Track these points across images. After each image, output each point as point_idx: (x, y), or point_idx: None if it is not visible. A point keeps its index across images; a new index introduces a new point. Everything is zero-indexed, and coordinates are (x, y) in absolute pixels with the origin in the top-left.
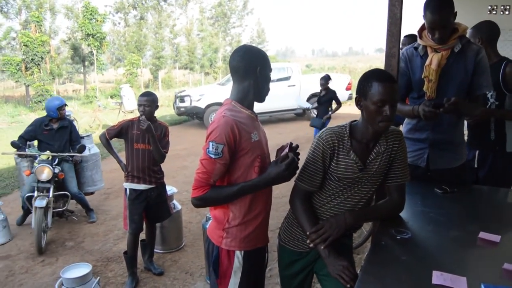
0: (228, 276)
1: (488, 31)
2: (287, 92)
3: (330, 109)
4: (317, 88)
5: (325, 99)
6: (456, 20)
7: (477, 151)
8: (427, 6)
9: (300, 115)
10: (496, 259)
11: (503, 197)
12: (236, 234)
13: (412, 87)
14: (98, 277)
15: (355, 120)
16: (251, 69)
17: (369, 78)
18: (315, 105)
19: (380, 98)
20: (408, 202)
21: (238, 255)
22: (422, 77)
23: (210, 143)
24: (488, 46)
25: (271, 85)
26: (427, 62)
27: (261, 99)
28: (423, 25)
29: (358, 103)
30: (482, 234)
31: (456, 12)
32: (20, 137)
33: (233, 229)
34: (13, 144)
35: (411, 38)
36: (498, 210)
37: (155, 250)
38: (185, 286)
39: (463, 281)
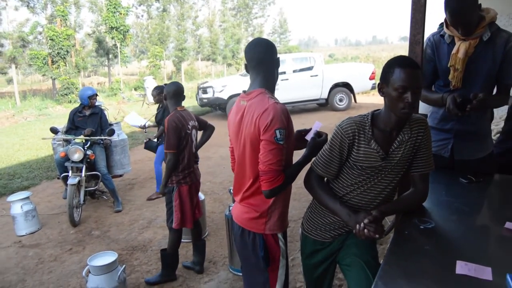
0: (277, 260)
1: None
2: (309, 82)
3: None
4: (341, 78)
5: (161, 115)
6: (486, 5)
7: None
8: (446, 5)
9: (323, 105)
10: None
11: None
12: (278, 216)
13: (439, 74)
14: (124, 265)
15: (378, 109)
16: (275, 60)
17: (391, 64)
18: (153, 123)
19: (402, 84)
20: (432, 191)
21: (281, 238)
22: (448, 65)
23: (277, 131)
24: None
25: (294, 75)
26: (454, 51)
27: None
28: None
29: (380, 90)
30: (508, 225)
31: (480, 4)
32: (66, 131)
33: (275, 211)
34: (52, 129)
35: None
36: None
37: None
38: (209, 275)
39: (488, 271)
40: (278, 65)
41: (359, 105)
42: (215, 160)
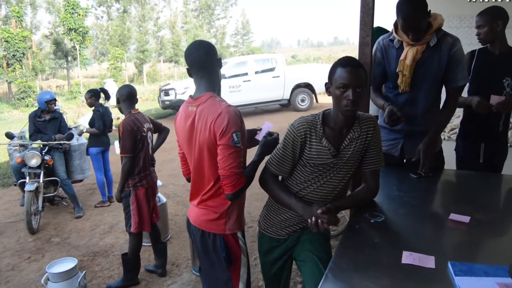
0: (238, 259)
1: (506, 16)
2: (271, 83)
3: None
4: (302, 79)
5: (92, 118)
6: (435, 11)
7: (483, 144)
8: (398, 10)
9: (285, 105)
10: (464, 239)
11: (475, 181)
12: (236, 215)
13: (388, 77)
14: (84, 271)
15: (329, 109)
16: (217, 61)
17: (335, 64)
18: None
19: (342, 82)
20: (383, 186)
21: (240, 237)
22: (397, 71)
23: (234, 134)
24: (503, 32)
25: (256, 76)
26: (402, 57)
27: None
28: None
29: (327, 90)
30: (453, 216)
31: (430, 10)
32: (31, 135)
33: (234, 211)
34: (7, 134)
35: None
36: (470, 192)
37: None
38: (172, 277)
39: (431, 260)
40: (220, 66)
41: (320, 105)
42: (178, 162)
